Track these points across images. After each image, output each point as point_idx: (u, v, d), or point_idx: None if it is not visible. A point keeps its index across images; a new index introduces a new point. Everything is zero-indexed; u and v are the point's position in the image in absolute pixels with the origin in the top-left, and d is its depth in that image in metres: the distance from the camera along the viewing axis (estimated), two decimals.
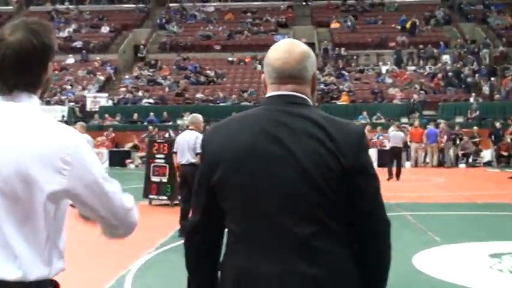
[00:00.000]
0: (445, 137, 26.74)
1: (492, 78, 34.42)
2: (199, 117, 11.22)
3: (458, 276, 7.65)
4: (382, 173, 20.78)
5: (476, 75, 35.20)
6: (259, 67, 37.56)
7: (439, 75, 35.14)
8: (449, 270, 8.01)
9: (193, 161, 10.71)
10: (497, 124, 26.34)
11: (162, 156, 14.79)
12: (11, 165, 2.09)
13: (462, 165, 26.71)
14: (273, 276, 2.19)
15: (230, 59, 38.72)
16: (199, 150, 10.55)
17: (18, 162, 2.08)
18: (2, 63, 2.18)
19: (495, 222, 11.93)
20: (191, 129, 11.04)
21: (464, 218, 12.58)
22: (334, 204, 2.23)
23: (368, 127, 27.32)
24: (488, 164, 26.72)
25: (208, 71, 37.05)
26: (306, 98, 2.40)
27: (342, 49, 38.47)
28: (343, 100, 32.83)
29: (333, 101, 32.97)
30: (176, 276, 8.00)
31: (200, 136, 10.74)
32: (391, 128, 23.18)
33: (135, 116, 31.44)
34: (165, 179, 14.55)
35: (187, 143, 10.75)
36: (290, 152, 2.23)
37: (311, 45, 39.78)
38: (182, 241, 8.85)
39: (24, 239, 2.10)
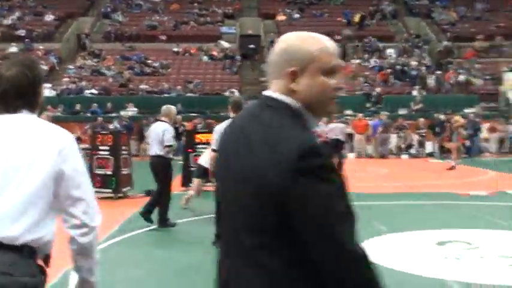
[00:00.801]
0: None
1: (438, 72, 35.15)
2: (172, 108, 11.19)
3: (405, 264, 7.74)
4: None
5: (422, 68, 35.81)
6: (204, 58, 37.43)
7: (385, 69, 35.64)
8: (395, 258, 8.10)
9: (160, 153, 10.73)
10: (441, 116, 26.81)
11: (106, 148, 14.53)
12: (23, 158, 2.72)
13: (405, 156, 27.14)
14: (225, 278, 2.20)
15: (175, 49, 38.35)
16: (167, 143, 10.58)
17: (28, 154, 2.72)
18: (4, 93, 2.82)
19: (439, 211, 12.13)
20: (163, 121, 11.01)
21: (408, 207, 12.75)
22: (274, 222, 2.02)
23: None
24: (430, 155, 27.22)
25: (153, 62, 36.70)
26: (278, 98, 2.17)
27: None
28: None
29: None
30: (122, 270, 7.92)
31: (169, 129, 10.78)
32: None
33: (78, 106, 30.91)
34: (109, 172, 14.28)
35: (157, 135, 10.75)
36: (238, 162, 2.11)
37: (257, 37, 39.85)
38: (129, 234, 8.65)
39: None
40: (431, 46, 40.14)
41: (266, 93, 2.22)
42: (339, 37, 39.36)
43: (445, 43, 39.46)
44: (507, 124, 30.07)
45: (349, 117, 28.68)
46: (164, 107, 11.26)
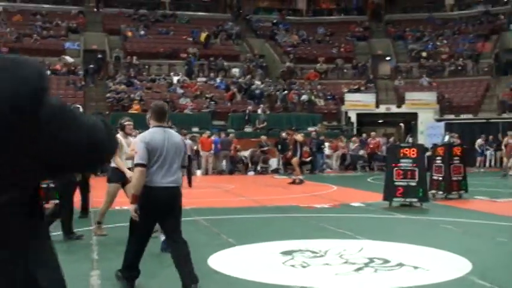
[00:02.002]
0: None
1: (285, 92, 36.13)
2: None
3: (253, 274, 7.76)
4: None
5: (268, 88, 36.68)
6: (47, 73, 36.14)
7: (230, 87, 36.18)
8: (244, 268, 8.11)
9: None
10: (284, 134, 27.45)
11: None
12: None
13: (251, 173, 27.54)
14: None
15: None
16: None
17: None
18: None
19: (284, 223, 12.33)
20: None
21: (255, 220, 12.85)
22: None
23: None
24: (275, 171, 27.79)
25: None
26: None
27: (134, 58, 38.20)
28: (135, 109, 32.54)
29: (124, 110, 32.64)
30: None
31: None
32: None
33: None
34: None
35: None
36: None
37: (102, 52, 39.16)
38: None
39: None
40: (275, 67, 41.30)
41: None
42: (185, 55, 39.64)
43: (288, 64, 40.70)
44: (348, 142, 31.32)
45: (196, 135, 28.79)
46: None
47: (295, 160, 21.87)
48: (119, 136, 10.08)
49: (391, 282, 7.42)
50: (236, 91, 35.74)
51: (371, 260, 8.38)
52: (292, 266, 8.20)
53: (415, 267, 8.10)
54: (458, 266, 8.21)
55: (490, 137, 32.03)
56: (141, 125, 26.53)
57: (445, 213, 13.89)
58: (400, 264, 8.26)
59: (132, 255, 6.85)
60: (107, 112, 32.62)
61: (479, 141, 32.02)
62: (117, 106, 33.02)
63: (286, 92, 36.38)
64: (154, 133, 6.69)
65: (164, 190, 6.52)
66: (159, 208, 6.60)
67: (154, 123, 6.81)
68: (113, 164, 10.36)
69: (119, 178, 10.42)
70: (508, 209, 14.80)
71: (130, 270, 6.91)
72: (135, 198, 6.62)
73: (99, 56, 38.18)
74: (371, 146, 30.18)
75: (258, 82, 37.04)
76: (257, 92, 35.83)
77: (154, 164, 6.55)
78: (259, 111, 33.06)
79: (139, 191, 6.59)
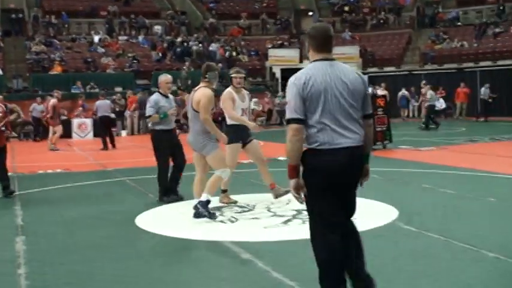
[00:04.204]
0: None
1: (211, 48, 35.81)
2: (160, 76, 10.41)
3: (183, 231, 7.70)
4: (98, 144, 20.94)
5: (191, 45, 36.27)
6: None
7: (158, 44, 35.72)
8: (173, 226, 8.04)
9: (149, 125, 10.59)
10: None
11: None
12: None
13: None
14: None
15: None
16: (147, 113, 9.92)
17: None
18: None
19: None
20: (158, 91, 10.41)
21: (182, 178, 12.74)
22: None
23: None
24: None
25: None
26: None
27: (53, 17, 37.09)
28: (56, 70, 31.80)
29: (45, 71, 31.83)
30: None
31: (150, 99, 10.21)
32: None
33: None
34: None
35: None
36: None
37: (20, 11, 37.83)
38: None
39: None
40: (198, 23, 40.84)
41: None
42: (104, 13, 38.75)
43: (211, 20, 40.32)
44: (274, 97, 31.38)
45: (119, 95, 28.43)
46: None
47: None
48: (230, 90, 9.27)
49: None
50: (166, 47, 35.24)
51: (299, 212, 8.41)
52: (221, 221, 8.17)
53: None
54: (385, 213, 8.34)
55: (412, 89, 32.63)
56: (61, 86, 26.10)
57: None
58: None
59: (327, 265, 4.54)
60: (27, 74, 31.76)
61: (401, 93, 32.60)
62: (37, 67, 32.15)
63: (212, 48, 36.06)
64: (314, 70, 4.46)
65: (342, 152, 4.41)
66: (336, 178, 4.46)
67: (315, 55, 4.57)
68: (229, 122, 9.43)
69: (239, 137, 9.45)
70: (431, 157, 15.17)
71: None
72: (293, 170, 4.48)
73: (14, 20, 36.77)
74: None
75: (180, 39, 36.54)
76: (179, 49, 35.43)
77: (319, 115, 4.40)
78: (184, 68, 32.65)
79: (296, 158, 4.43)
